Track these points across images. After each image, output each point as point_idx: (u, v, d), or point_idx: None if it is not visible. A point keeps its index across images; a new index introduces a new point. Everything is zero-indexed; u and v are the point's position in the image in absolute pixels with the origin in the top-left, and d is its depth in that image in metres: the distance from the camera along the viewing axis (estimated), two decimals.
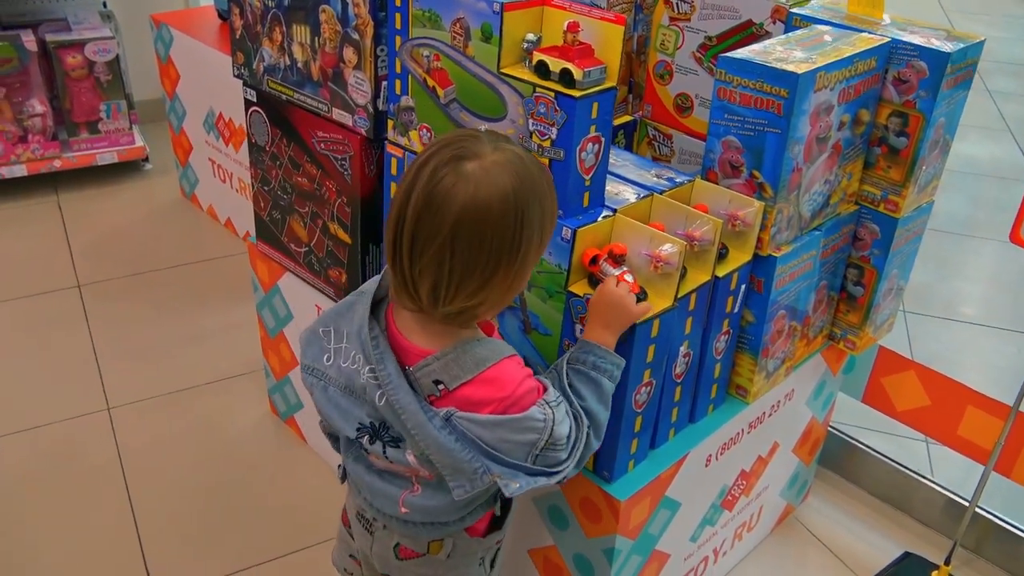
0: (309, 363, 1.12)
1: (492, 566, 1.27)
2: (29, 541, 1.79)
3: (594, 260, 1.23)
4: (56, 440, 2.06)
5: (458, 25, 1.25)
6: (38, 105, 3.01)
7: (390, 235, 1.00)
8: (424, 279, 0.98)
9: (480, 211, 0.95)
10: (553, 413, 1.05)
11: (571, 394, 1.13)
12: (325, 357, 1.10)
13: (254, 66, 1.67)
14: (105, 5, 3.32)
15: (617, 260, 1.22)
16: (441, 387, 1.03)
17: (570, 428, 1.09)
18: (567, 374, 1.14)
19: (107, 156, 3.16)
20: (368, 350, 1.04)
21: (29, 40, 2.92)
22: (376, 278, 1.13)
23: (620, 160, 1.46)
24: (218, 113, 2.71)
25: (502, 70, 1.22)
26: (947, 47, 1.37)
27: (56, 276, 2.67)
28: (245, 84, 1.72)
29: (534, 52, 1.20)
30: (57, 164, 3.08)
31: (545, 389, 1.09)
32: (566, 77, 1.17)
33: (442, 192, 0.95)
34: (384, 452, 1.08)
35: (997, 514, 1.85)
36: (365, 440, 1.09)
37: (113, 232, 2.94)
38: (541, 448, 1.05)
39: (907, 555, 1.84)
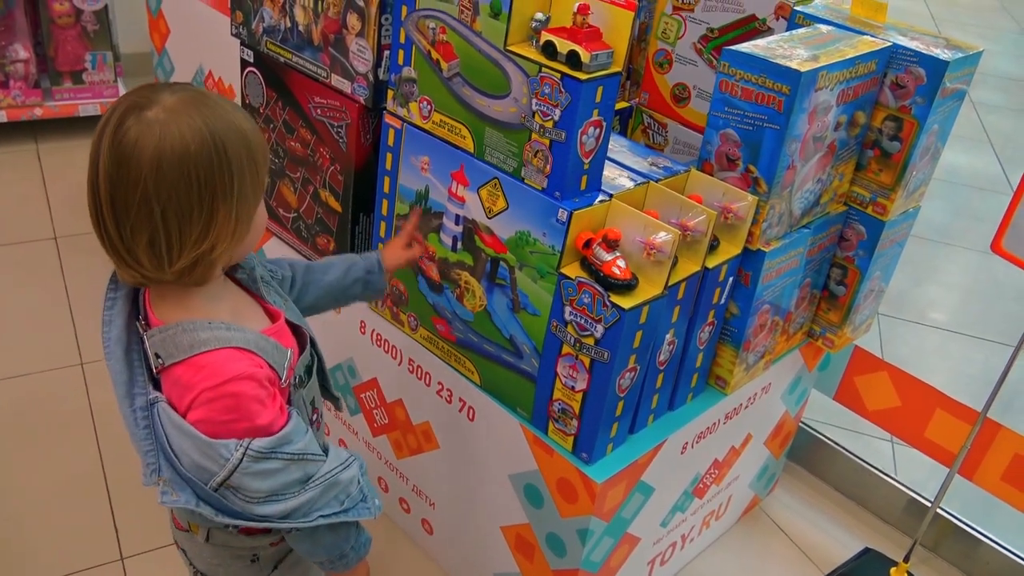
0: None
1: (275, 568, 1.16)
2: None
3: (588, 244, 1.24)
4: (29, 392, 2.03)
5: None
6: (22, 51, 2.94)
7: (90, 206, 0.92)
8: (138, 241, 0.91)
9: (176, 153, 0.89)
10: (242, 460, 0.94)
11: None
12: None
13: (253, 26, 1.65)
14: None
15: (611, 245, 1.23)
16: (160, 361, 0.97)
17: (277, 491, 0.98)
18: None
19: (90, 108, 3.10)
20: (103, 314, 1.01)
21: None
22: None
23: (616, 146, 1.46)
24: (208, 71, 2.66)
25: (509, 47, 1.22)
26: (945, 55, 1.38)
27: (33, 226, 2.63)
28: (243, 44, 1.70)
29: (542, 32, 1.20)
30: (38, 112, 3.02)
31: (274, 433, 0.96)
32: (573, 59, 1.17)
33: (129, 145, 0.88)
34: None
35: (956, 515, 1.90)
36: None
37: None
38: (218, 484, 0.95)
39: (867, 551, 1.88)
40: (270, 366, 0.98)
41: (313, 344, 1.14)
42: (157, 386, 0.98)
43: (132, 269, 0.94)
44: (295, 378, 1.06)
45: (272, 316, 1.08)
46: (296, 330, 1.11)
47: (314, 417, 1.15)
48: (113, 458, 1.87)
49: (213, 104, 0.93)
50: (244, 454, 0.94)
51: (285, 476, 0.98)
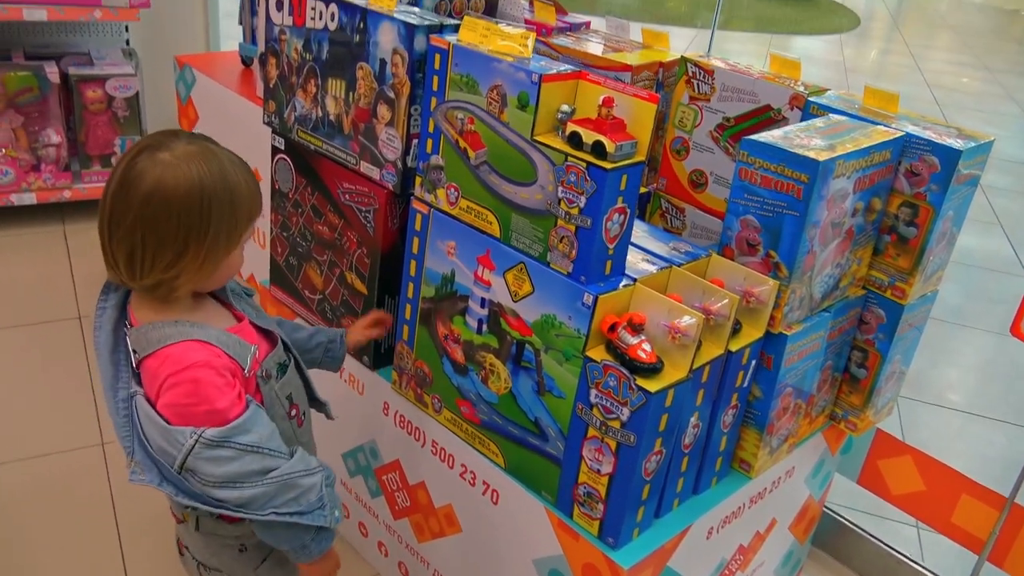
0: None
1: (264, 561, 1.26)
2: (17, 569, 1.76)
3: (613, 327, 1.26)
4: (49, 472, 2.03)
5: (495, 92, 1.29)
6: (54, 135, 3.05)
7: (99, 214, 1.11)
8: (120, 251, 1.09)
9: (167, 192, 1.06)
10: (194, 446, 1.06)
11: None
12: None
13: (285, 115, 1.71)
14: (128, 43, 3.38)
15: (636, 329, 1.24)
16: (136, 355, 1.12)
17: (232, 478, 1.09)
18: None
19: None
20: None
21: (52, 72, 2.97)
22: None
23: (636, 230, 1.49)
24: None
25: (535, 137, 1.26)
26: (958, 144, 1.42)
27: (58, 306, 2.67)
28: (274, 132, 1.76)
29: (568, 123, 1.24)
30: (67, 195, 3.10)
31: (230, 420, 1.08)
32: (598, 149, 1.21)
33: (134, 176, 1.07)
34: None
35: None
36: None
37: None
38: (178, 467, 1.08)
39: None
40: (231, 357, 1.12)
41: (287, 346, 1.29)
42: (140, 382, 1.12)
43: (113, 270, 1.12)
44: (262, 371, 1.19)
45: (238, 319, 1.23)
46: (267, 334, 1.26)
47: (293, 412, 1.27)
48: (132, 539, 1.86)
49: (216, 160, 1.10)
50: (197, 441, 1.07)
51: (240, 465, 1.09)
